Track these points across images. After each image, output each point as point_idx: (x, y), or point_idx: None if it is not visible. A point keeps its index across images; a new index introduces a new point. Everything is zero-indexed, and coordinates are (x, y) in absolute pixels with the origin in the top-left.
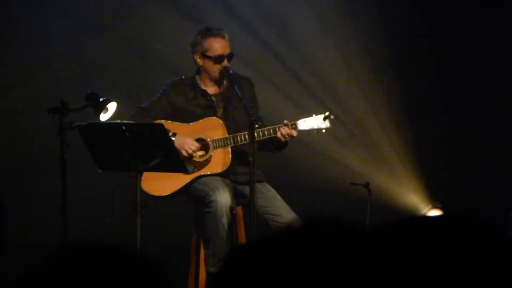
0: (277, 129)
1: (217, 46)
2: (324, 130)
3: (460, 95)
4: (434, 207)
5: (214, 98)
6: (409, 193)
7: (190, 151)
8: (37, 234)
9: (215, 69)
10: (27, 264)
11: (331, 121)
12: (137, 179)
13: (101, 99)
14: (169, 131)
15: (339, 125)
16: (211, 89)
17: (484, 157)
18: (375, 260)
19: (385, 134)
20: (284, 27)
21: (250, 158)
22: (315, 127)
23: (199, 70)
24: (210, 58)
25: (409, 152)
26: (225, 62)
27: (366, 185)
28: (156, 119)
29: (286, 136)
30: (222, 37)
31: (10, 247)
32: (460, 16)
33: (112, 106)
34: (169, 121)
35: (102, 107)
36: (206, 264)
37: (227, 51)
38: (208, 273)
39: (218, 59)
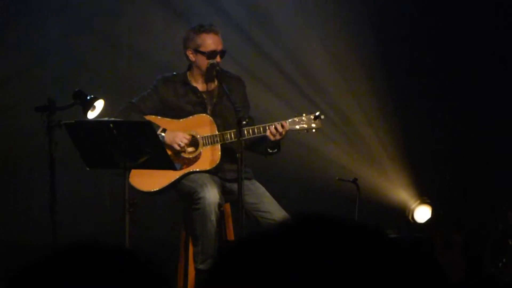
0: (266, 127)
1: (210, 42)
2: (314, 130)
3: (448, 91)
4: (423, 202)
5: (204, 95)
6: (398, 188)
7: (182, 144)
8: (25, 233)
9: (205, 64)
10: (17, 262)
11: (321, 121)
12: (125, 177)
13: (88, 97)
14: (159, 127)
15: (327, 122)
16: (202, 86)
17: (472, 152)
18: (368, 257)
19: (373, 130)
20: (273, 27)
21: (238, 155)
22: (305, 126)
23: (190, 67)
24: (203, 53)
25: (397, 147)
26: (218, 58)
27: (354, 181)
28: (145, 114)
29: (276, 134)
30: (215, 33)
31: None
32: (447, 10)
33: (99, 104)
34: (159, 117)
35: (90, 105)
36: (195, 261)
37: (219, 47)
38: (197, 270)
39: (211, 55)
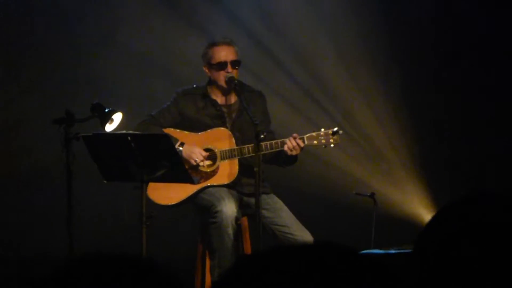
0: (284, 142)
1: (220, 54)
2: (332, 145)
3: (467, 106)
4: None
5: (224, 109)
6: (415, 203)
7: (198, 160)
8: (42, 246)
9: (220, 77)
10: (33, 274)
11: (339, 137)
12: (142, 190)
13: (106, 110)
14: (177, 141)
15: (344, 136)
16: (221, 99)
17: (491, 167)
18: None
19: (391, 144)
20: (292, 42)
21: (256, 169)
22: (323, 142)
23: (210, 81)
24: (214, 66)
25: (414, 162)
26: (229, 69)
27: (372, 195)
28: (164, 127)
29: (293, 149)
30: (226, 44)
31: (15, 257)
32: (468, 19)
33: (117, 117)
34: (178, 130)
35: (108, 118)
36: (211, 275)
37: (230, 57)
38: (212, 284)
39: (220, 66)
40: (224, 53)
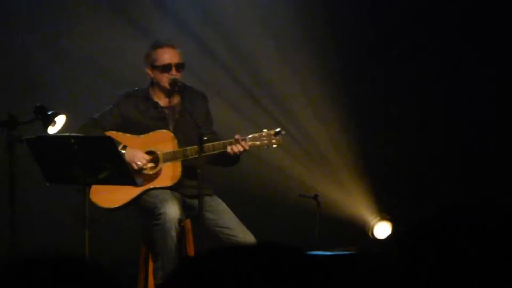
0: (227, 144)
1: (165, 56)
2: (274, 146)
3: (408, 107)
4: (383, 218)
5: (166, 111)
6: (358, 204)
7: (140, 164)
8: None
9: (163, 79)
10: None
11: (281, 137)
12: (85, 193)
13: (49, 112)
14: (120, 143)
15: (288, 138)
16: (164, 101)
17: (432, 168)
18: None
19: (334, 146)
20: (235, 42)
21: (198, 171)
22: (266, 142)
23: (152, 83)
24: (158, 68)
25: (357, 164)
26: (173, 71)
27: (315, 197)
28: (106, 130)
29: (237, 151)
30: (170, 47)
31: None
32: (415, 21)
33: (60, 119)
34: (120, 133)
35: (51, 120)
36: (154, 277)
37: (174, 60)
38: (156, 286)
39: (165, 68)
40: (168, 56)
